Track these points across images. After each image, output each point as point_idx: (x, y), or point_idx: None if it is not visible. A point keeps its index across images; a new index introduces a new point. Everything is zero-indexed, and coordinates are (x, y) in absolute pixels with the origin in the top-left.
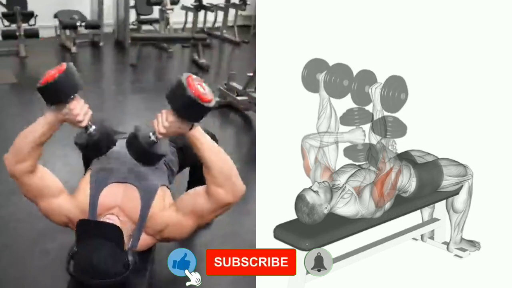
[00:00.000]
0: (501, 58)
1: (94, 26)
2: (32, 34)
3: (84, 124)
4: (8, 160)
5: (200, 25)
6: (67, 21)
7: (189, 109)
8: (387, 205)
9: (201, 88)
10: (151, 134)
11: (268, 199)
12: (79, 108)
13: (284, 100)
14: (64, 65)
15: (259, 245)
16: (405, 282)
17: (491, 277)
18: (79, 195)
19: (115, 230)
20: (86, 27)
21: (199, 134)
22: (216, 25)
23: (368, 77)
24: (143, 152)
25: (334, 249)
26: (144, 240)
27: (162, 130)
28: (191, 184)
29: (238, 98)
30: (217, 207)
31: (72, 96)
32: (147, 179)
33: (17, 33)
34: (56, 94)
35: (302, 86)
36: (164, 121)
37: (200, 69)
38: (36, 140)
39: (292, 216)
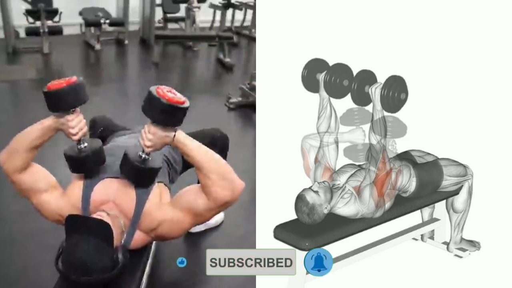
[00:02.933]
0: (501, 58)
1: (119, 23)
2: (56, 31)
3: (76, 138)
4: (2, 157)
5: (228, 23)
6: (92, 19)
7: (165, 114)
8: (387, 205)
9: (171, 94)
10: (140, 153)
11: (268, 199)
12: (76, 121)
13: (284, 100)
14: (75, 78)
15: (259, 245)
16: (405, 282)
17: (491, 277)
18: (71, 190)
19: (103, 226)
20: (111, 24)
21: (182, 138)
22: (245, 24)
23: (368, 77)
24: (137, 170)
25: (334, 249)
26: (138, 238)
27: (148, 143)
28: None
29: None
30: (216, 206)
31: (73, 109)
32: None
33: (41, 30)
34: (58, 102)
35: (302, 86)
36: (147, 134)
37: (224, 69)
38: (30, 143)
39: (292, 216)
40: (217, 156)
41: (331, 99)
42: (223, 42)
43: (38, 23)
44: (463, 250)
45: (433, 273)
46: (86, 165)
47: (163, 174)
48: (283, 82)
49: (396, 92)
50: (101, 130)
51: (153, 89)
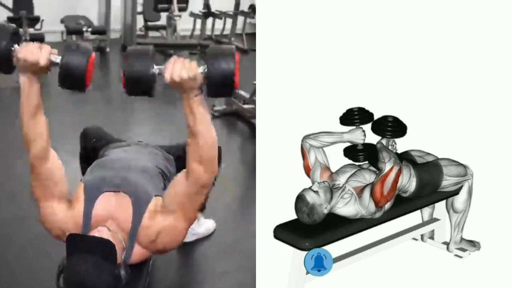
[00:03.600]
0: (501, 58)
1: (101, 31)
2: (38, 39)
3: (43, 62)
4: (26, 149)
5: (208, 32)
6: (73, 26)
7: (221, 80)
8: (387, 205)
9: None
10: (156, 67)
11: (268, 199)
12: (25, 51)
13: (284, 100)
14: None
15: (259, 245)
16: (405, 282)
17: (491, 277)
18: (74, 205)
19: (106, 244)
20: (93, 32)
21: (200, 102)
22: (225, 32)
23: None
24: (138, 78)
25: (334, 249)
26: (137, 252)
27: (176, 78)
28: None
29: (245, 106)
30: (196, 187)
31: (13, 47)
32: (140, 188)
33: (23, 38)
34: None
35: (302, 86)
36: (184, 71)
37: None
38: (27, 106)
39: (292, 216)
40: (214, 132)
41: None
42: (205, 50)
43: (20, 31)
44: (463, 250)
45: (433, 273)
46: (72, 69)
47: (161, 186)
48: (283, 83)
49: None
50: (94, 141)
51: (234, 51)
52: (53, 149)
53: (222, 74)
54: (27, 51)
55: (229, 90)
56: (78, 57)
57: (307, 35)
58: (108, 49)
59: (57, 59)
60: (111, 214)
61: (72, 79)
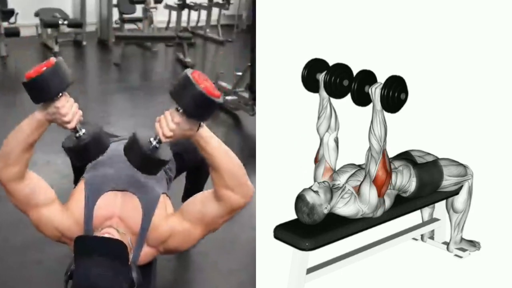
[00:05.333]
0: (501, 58)
1: (77, 24)
2: (13, 33)
3: (72, 125)
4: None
5: (183, 24)
6: (49, 20)
7: (199, 106)
8: (387, 205)
9: (207, 83)
10: (151, 139)
11: (268, 199)
12: (68, 107)
13: (284, 100)
14: (53, 60)
15: (259, 245)
16: (405, 282)
17: (491, 277)
18: (72, 205)
19: (117, 245)
20: (69, 25)
21: (207, 134)
22: (200, 24)
23: (368, 77)
24: (145, 158)
25: (334, 249)
26: (146, 253)
27: (168, 134)
28: (189, 189)
29: (227, 97)
30: (229, 211)
31: (60, 94)
32: (148, 187)
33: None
34: (42, 91)
35: (302, 86)
36: (170, 123)
37: (185, 69)
38: (24, 141)
39: (292, 216)
40: (235, 157)
41: (331, 99)
42: (183, 42)
43: None
44: (463, 250)
45: (433, 273)
46: (89, 154)
47: (165, 184)
48: (283, 82)
49: (396, 92)
50: None
51: (189, 72)
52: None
53: (195, 103)
54: (67, 109)
55: (214, 105)
56: (99, 144)
57: (307, 33)
58: (84, 43)
59: (81, 130)
60: (117, 214)
61: (84, 157)
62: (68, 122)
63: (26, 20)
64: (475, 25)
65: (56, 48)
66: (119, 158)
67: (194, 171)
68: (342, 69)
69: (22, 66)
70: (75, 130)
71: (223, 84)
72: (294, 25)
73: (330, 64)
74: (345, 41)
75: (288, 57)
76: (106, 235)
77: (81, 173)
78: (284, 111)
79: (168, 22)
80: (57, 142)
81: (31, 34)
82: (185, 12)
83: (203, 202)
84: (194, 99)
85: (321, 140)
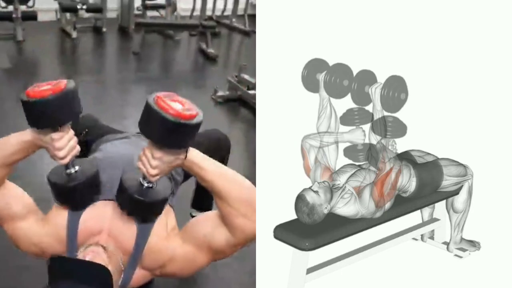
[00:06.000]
0: (501, 58)
1: (96, 9)
2: (30, 17)
3: (65, 162)
4: None
5: (208, 12)
6: (68, 4)
7: (172, 133)
8: (387, 205)
9: (178, 104)
10: (141, 179)
11: (268, 199)
12: (64, 141)
13: (284, 100)
14: (64, 84)
15: (259, 245)
16: (405, 282)
17: (491, 277)
18: (53, 217)
19: (102, 272)
20: (88, 10)
21: (198, 159)
22: (226, 13)
23: (368, 77)
24: (137, 203)
25: (334, 249)
26: (139, 276)
27: (153, 172)
28: (200, 194)
29: (249, 91)
30: (243, 241)
31: (61, 126)
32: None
33: (14, 15)
34: (41, 117)
35: (302, 86)
36: (151, 160)
37: (207, 59)
38: (5, 159)
39: (292, 216)
40: (241, 179)
41: (331, 99)
42: (206, 31)
43: (10, 8)
44: (463, 250)
45: (433, 273)
46: (76, 196)
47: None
48: (283, 82)
49: (396, 92)
50: (86, 132)
51: (151, 100)
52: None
53: (167, 131)
54: (64, 143)
55: (189, 128)
56: (92, 188)
57: (307, 34)
58: (104, 29)
59: (74, 167)
60: (106, 229)
61: (70, 199)
62: (62, 158)
63: (45, 4)
64: (475, 25)
65: (74, 34)
66: (115, 161)
67: None
68: (342, 69)
69: (39, 52)
70: (67, 166)
71: (246, 77)
72: (294, 25)
73: (330, 64)
74: (345, 41)
75: (288, 57)
76: (89, 256)
77: (82, 146)
78: (284, 111)
79: (193, 10)
80: None
81: (51, 19)
82: (210, 0)
83: (210, 226)
84: (164, 127)
85: (321, 140)
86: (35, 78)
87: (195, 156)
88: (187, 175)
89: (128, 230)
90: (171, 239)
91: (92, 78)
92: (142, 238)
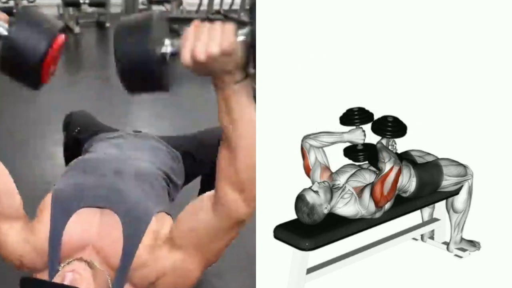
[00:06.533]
0: (501, 58)
1: (100, 4)
2: None
3: None
4: None
5: (216, 7)
6: None
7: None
8: (387, 205)
9: None
10: (167, 42)
11: (268, 199)
12: None
13: (284, 100)
14: None
15: (259, 245)
16: (405, 282)
17: (491, 277)
18: (37, 226)
19: None
20: (91, 5)
21: (242, 94)
22: (234, 7)
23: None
24: (143, 63)
25: (334, 249)
26: None
27: (202, 49)
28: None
29: None
30: (228, 223)
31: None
32: (136, 202)
33: (15, 11)
34: None
35: (302, 85)
36: (217, 34)
37: None
38: None
39: (292, 216)
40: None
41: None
42: None
43: (11, 3)
44: (463, 250)
45: (433, 273)
46: (21, 53)
47: (164, 197)
48: (283, 82)
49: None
50: (78, 130)
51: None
52: (35, 136)
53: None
54: None
55: None
56: (36, 34)
57: (307, 34)
58: (108, 24)
59: (3, 28)
60: (92, 242)
61: (19, 65)
62: None
63: None
64: (475, 25)
65: (77, 30)
66: (106, 164)
67: (210, 178)
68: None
69: None
70: None
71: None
72: (294, 24)
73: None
74: (345, 41)
75: (288, 56)
76: (69, 276)
77: (74, 152)
78: (284, 111)
79: (200, 4)
80: (62, 133)
81: (52, 13)
82: None
83: (193, 212)
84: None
85: (321, 140)
86: None
87: (241, 90)
88: (187, 178)
89: (114, 241)
90: (160, 250)
91: (95, 74)
92: (128, 251)
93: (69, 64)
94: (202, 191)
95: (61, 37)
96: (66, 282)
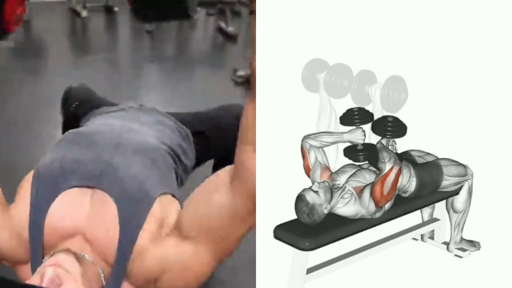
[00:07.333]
0: (501, 58)
1: None
2: None
3: None
4: None
5: None
6: None
7: None
8: (387, 205)
9: None
10: None
11: (268, 199)
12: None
13: (284, 100)
14: None
15: (259, 245)
16: (405, 282)
17: (491, 277)
18: (14, 209)
19: None
20: None
21: None
22: None
23: (368, 77)
24: None
25: (334, 249)
26: None
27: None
28: None
29: None
30: (250, 204)
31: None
32: (134, 183)
33: None
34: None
35: (302, 86)
36: None
37: (227, 38)
38: None
39: (292, 216)
40: None
41: (331, 99)
42: (225, 8)
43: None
44: (463, 250)
45: (433, 273)
46: None
47: (170, 176)
48: (283, 82)
49: (396, 92)
50: (76, 104)
51: None
52: (40, 121)
53: None
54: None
55: None
56: None
57: (307, 34)
58: (116, 8)
59: None
60: (83, 229)
61: None
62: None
63: None
64: (475, 24)
65: (84, 13)
66: (102, 137)
67: (225, 159)
68: (342, 69)
69: (47, 32)
70: None
71: None
72: (294, 24)
73: (330, 64)
74: (345, 41)
75: (288, 57)
76: (49, 272)
77: (73, 122)
78: (284, 111)
79: None
80: None
81: None
82: None
83: (208, 192)
84: None
85: (321, 140)
86: (42, 58)
87: None
88: (200, 160)
89: (108, 229)
90: (164, 242)
91: (103, 57)
92: (126, 241)
93: (76, 47)
94: (215, 171)
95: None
96: (45, 281)
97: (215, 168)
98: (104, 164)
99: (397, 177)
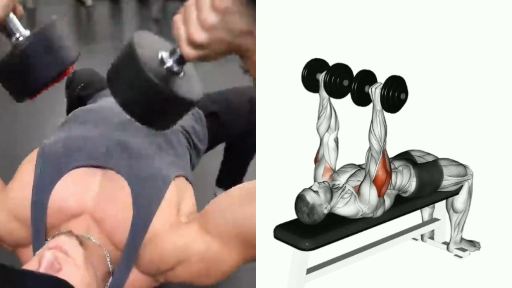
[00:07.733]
0: (501, 58)
1: None
2: None
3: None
4: None
5: None
6: None
7: None
8: (387, 205)
9: None
10: (163, 54)
11: (268, 199)
12: None
13: (284, 100)
14: None
15: (259, 245)
16: (405, 282)
17: (491, 277)
18: (15, 188)
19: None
20: None
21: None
22: None
23: (368, 77)
24: (147, 90)
25: (334, 249)
26: (136, 283)
27: (200, 37)
28: (227, 170)
29: None
30: None
31: None
32: (147, 162)
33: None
34: None
35: (302, 86)
36: (204, 11)
37: None
38: None
39: (292, 216)
40: None
41: (331, 99)
42: None
43: None
44: (463, 250)
45: (433, 273)
46: (27, 71)
47: (184, 159)
48: (283, 82)
49: (396, 92)
50: (81, 86)
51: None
52: (41, 109)
53: None
54: None
55: None
56: (51, 59)
57: (307, 32)
58: None
59: (17, 32)
60: (89, 210)
61: (19, 79)
62: None
63: None
64: (475, 24)
65: (89, 2)
66: (111, 113)
67: (237, 142)
68: (342, 69)
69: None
70: (8, 32)
71: None
72: (294, 24)
73: (330, 64)
74: (345, 41)
75: (288, 57)
76: (47, 256)
77: (78, 105)
78: (284, 111)
79: None
80: None
81: None
82: None
83: (241, 205)
84: None
85: (321, 140)
86: None
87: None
88: (212, 143)
89: (120, 210)
90: (184, 229)
91: (109, 45)
92: (139, 226)
93: (81, 36)
94: (225, 162)
95: (71, 69)
96: (43, 265)
97: (227, 151)
98: (114, 142)
99: (396, 177)
